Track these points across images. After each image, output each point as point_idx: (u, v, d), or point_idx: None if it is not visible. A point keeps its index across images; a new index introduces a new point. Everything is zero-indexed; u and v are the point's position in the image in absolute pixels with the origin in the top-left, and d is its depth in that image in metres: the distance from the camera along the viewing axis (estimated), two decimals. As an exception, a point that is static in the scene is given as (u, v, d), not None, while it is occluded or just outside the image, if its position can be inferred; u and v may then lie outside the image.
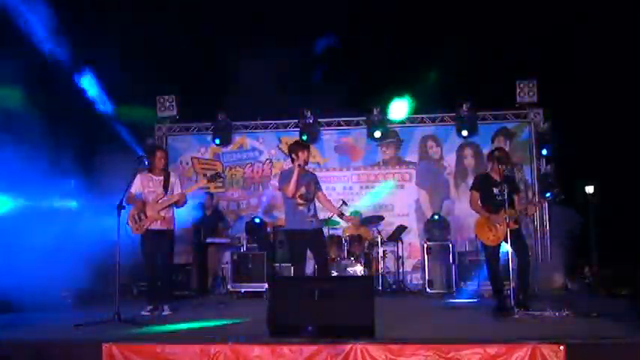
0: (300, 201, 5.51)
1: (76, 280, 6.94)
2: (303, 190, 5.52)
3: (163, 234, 5.91)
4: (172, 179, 6.03)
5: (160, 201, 5.85)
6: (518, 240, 5.50)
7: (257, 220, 9.10)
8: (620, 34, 7.98)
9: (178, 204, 6.03)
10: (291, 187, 5.43)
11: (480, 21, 8.65)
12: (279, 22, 9.05)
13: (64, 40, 7.24)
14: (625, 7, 7.73)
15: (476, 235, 5.95)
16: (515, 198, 5.74)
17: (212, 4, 8.99)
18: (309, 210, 5.56)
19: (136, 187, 5.86)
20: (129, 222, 5.76)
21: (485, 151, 9.33)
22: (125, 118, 8.52)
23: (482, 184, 5.84)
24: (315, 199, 5.72)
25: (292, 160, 5.58)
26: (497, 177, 5.69)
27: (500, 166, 5.62)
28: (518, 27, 8.58)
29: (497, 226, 5.55)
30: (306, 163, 5.58)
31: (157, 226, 5.85)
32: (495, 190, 5.64)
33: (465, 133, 9.16)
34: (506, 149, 9.09)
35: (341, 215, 5.96)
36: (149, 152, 6.18)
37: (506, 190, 5.35)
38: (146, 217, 5.80)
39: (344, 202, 7.73)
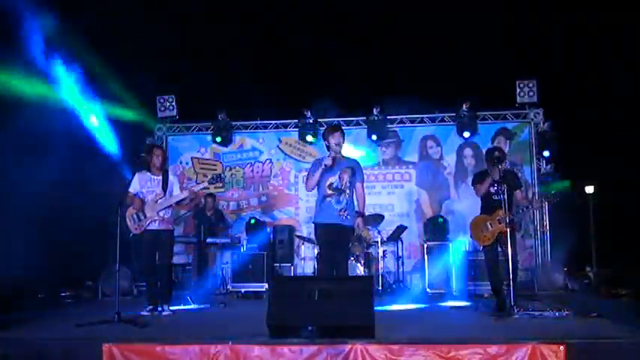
0: (329, 191, 4.91)
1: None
2: (332, 179, 4.92)
3: (162, 234, 5.89)
4: (171, 178, 6.02)
5: (159, 201, 5.84)
6: (511, 243, 5.42)
7: (255, 220, 9.09)
8: (620, 34, 7.98)
9: (182, 203, 6.03)
10: (311, 183, 4.93)
11: (480, 21, 8.65)
12: (278, 21, 9.06)
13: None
14: (625, 7, 7.73)
15: (471, 236, 5.99)
16: (518, 194, 5.74)
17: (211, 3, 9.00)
18: (338, 202, 4.90)
19: (134, 186, 5.85)
20: (127, 222, 5.75)
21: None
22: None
23: (482, 180, 5.80)
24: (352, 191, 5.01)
25: (327, 148, 5.04)
26: (496, 176, 5.67)
27: (500, 166, 5.59)
28: (518, 27, 8.58)
29: (489, 226, 5.60)
30: (337, 147, 4.95)
31: (155, 226, 5.84)
32: (493, 190, 5.64)
33: (466, 134, 9.16)
34: (506, 149, 9.22)
35: (360, 216, 5.08)
36: (147, 151, 6.14)
37: (504, 190, 5.31)
38: (145, 217, 5.79)
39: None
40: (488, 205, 5.67)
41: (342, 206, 4.92)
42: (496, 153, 5.69)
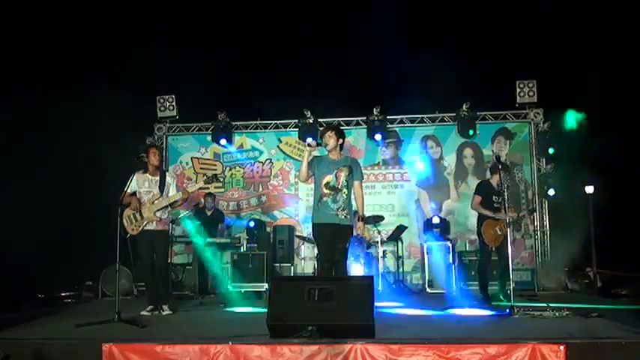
0: (325, 190, 4.90)
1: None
2: (329, 178, 4.91)
3: (159, 234, 5.89)
4: (168, 179, 6.02)
5: (155, 202, 5.84)
6: (507, 245, 5.96)
7: (251, 223, 9.08)
8: (620, 33, 7.98)
9: (176, 204, 6.03)
10: (301, 171, 4.91)
11: (480, 21, 8.64)
12: (278, 20, 9.05)
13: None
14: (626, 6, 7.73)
15: (480, 234, 6.51)
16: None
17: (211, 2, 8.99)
18: (334, 201, 4.88)
19: (133, 187, 5.85)
20: (124, 223, 5.73)
21: (485, 150, 9.36)
22: None
23: (485, 191, 6.55)
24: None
25: (325, 147, 5.09)
26: (496, 186, 6.46)
27: (500, 179, 6.33)
28: (518, 27, 8.58)
29: (498, 230, 6.32)
30: (334, 148, 4.97)
31: (152, 226, 5.83)
32: (494, 198, 6.42)
33: (467, 134, 9.14)
34: (506, 149, 9.26)
35: (360, 220, 5.05)
36: (144, 151, 6.14)
37: (504, 198, 5.90)
38: (142, 217, 5.79)
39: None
40: (492, 211, 6.41)
41: (339, 205, 4.89)
42: (501, 170, 6.29)
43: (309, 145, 4.90)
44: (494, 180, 6.48)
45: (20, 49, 7.29)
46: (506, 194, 5.83)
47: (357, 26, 9.10)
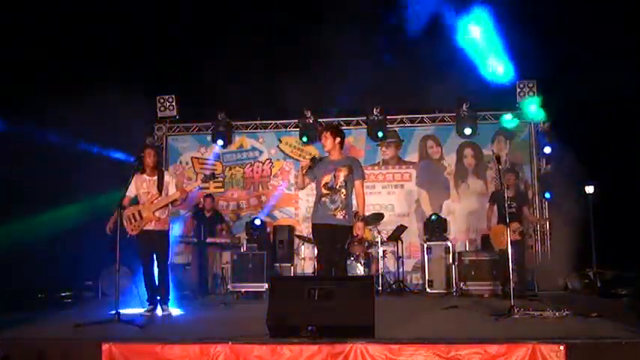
0: (324, 191, 4.90)
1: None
2: (327, 178, 4.90)
3: (159, 234, 5.90)
4: (167, 178, 6.01)
5: (154, 201, 5.84)
6: (518, 249, 6.60)
7: (257, 221, 9.09)
8: (619, 32, 7.98)
9: (175, 203, 6.03)
10: (298, 181, 5.00)
11: (479, 20, 8.63)
12: (278, 20, 9.05)
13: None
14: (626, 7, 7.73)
15: (489, 238, 7.25)
16: (525, 209, 7.41)
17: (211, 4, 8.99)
18: (333, 202, 4.87)
19: (132, 189, 5.85)
20: (124, 222, 5.73)
21: (485, 150, 9.36)
22: None
23: (498, 199, 7.08)
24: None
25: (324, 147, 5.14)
26: (511, 194, 6.94)
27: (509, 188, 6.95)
28: (517, 27, 8.58)
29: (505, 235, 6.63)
30: (331, 148, 5.00)
31: (152, 226, 5.84)
32: (507, 204, 6.58)
33: (467, 134, 9.13)
34: (506, 149, 9.27)
35: (360, 220, 5.04)
36: (141, 152, 6.14)
37: (514, 205, 6.59)
38: (141, 217, 5.79)
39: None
40: (504, 216, 6.58)
41: (337, 205, 4.87)
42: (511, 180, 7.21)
43: (302, 167, 4.97)
44: (507, 189, 6.83)
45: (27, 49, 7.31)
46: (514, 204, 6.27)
47: (356, 26, 9.10)
